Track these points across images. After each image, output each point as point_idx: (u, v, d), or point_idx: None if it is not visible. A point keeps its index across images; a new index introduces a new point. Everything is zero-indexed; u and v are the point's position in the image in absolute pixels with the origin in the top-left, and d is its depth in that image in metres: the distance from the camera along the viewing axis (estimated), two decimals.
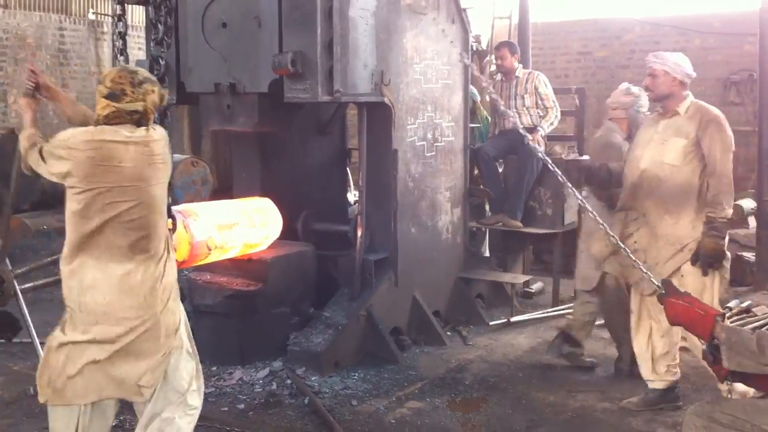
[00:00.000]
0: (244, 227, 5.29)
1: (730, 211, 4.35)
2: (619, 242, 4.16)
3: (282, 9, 4.89)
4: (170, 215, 4.17)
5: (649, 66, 4.55)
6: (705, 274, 4.35)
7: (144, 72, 3.44)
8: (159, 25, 4.14)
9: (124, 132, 3.28)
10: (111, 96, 3.30)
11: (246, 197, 5.69)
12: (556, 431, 4.42)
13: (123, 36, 4.17)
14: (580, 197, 4.60)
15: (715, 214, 4.32)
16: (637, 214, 4.54)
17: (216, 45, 5.17)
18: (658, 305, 4.44)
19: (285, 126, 5.49)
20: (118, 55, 4.21)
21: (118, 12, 4.23)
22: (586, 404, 4.77)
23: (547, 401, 4.81)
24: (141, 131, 3.32)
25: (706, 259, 4.32)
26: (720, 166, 4.33)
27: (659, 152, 4.49)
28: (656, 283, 3.50)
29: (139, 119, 3.34)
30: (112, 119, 3.30)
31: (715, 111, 4.46)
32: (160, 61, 4.10)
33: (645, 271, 3.90)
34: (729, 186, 4.36)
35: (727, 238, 4.44)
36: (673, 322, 3.20)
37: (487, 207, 7.56)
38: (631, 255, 4.06)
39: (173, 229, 4.19)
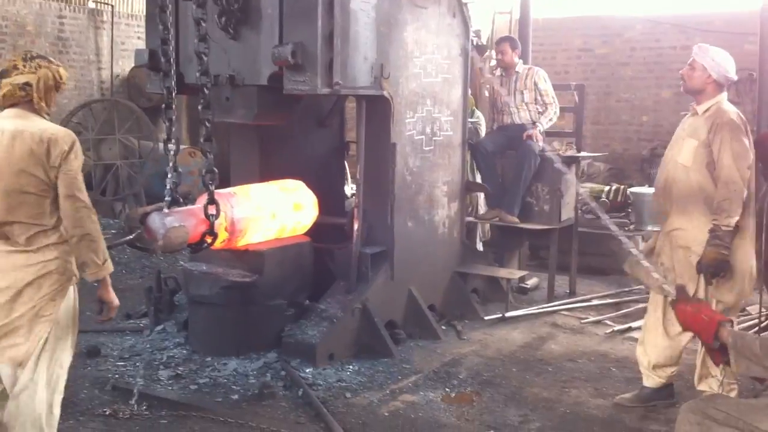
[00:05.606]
0: (283, 210, 5.46)
1: (734, 220, 4.18)
2: (639, 254, 4.00)
3: (283, 0, 4.87)
4: (212, 201, 4.31)
5: (692, 56, 4.41)
6: (708, 284, 4.25)
7: (40, 53, 3.48)
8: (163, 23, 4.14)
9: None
10: (2, 74, 3.36)
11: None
12: (549, 426, 4.43)
13: None
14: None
15: (718, 221, 4.18)
16: (660, 224, 4.37)
17: (215, 36, 5.13)
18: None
19: (284, 118, 5.47)
20: None
21: None
22: (580, 400, 4.78)
23: (540, 396, 4.82)
24: (19, 121, 3.32)
25: (707, 269, 4.20)
26: (727, 173, 4.19)
27: (677, 151, 4.42)
28: (669, 290, 3.44)
29: (30, 97, 3.35)
30: (8, 99, 3.36)
31: (731, 116, 4.29)
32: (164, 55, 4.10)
33: (659, 277, 3.71)
34: (736, 193, 4.18)
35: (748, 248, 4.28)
36: (684, 328, 3.21)
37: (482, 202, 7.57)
38: (649, 265, 3.97)
39: (216, 215, 4.33)
